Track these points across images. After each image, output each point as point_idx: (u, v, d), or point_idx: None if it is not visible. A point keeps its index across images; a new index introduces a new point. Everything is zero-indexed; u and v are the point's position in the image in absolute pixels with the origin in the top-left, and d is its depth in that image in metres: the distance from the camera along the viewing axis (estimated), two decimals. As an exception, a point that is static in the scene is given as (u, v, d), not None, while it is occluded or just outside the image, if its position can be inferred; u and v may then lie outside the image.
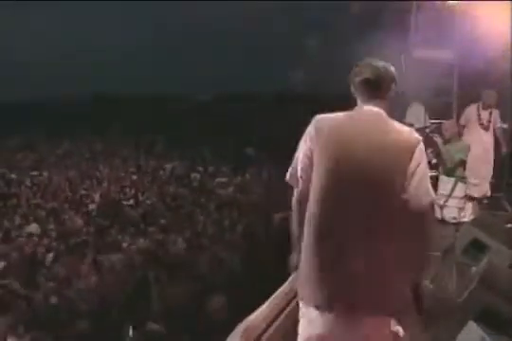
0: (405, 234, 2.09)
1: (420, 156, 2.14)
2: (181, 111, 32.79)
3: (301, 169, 2.24)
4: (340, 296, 2.11)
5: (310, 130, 2.23)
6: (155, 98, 36.05)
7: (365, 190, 2.09)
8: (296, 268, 2.30)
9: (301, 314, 2.28)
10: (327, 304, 2.12)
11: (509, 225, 5.07)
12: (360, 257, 2.08)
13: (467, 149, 6.21)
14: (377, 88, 2.24)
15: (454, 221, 5.88)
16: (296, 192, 2.31)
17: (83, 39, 51.30)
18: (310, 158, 2.20)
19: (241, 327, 3.11)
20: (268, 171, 17.96)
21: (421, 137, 2.21)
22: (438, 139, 6.25)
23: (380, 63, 2.27)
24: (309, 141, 2.21)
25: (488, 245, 4.16)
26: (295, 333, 2.81)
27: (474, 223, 4.73)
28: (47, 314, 6.32)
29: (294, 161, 2.30)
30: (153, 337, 5.76)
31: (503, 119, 7.02)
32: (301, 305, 2.29)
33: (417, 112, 6.78)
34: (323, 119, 2.23)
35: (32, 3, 45.79)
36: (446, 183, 6.12)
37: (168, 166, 20.00)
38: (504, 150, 6.64)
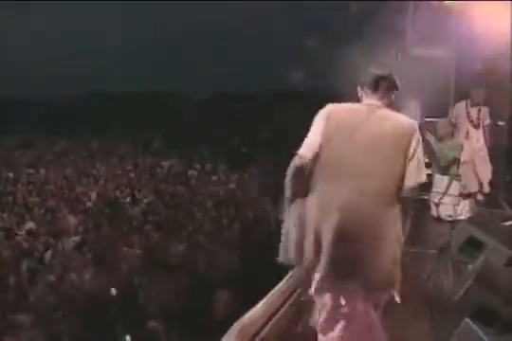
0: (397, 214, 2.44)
1: (417, 143, 2.48)
2: (179, 109, 32.75)
3: (311, 137, 2.57)
4: (339, 265, 2.41)
5: (322, 115, 2.58)
6: (154, 97, 36.02)
7: (368, 168, 2.42)
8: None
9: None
10: (327, 273, 2.43)
11: (506, 223, 5.07)
12: (358, 230, 2.38)
13: (461, 147, 6.25)
14: (381, 87, 2.61)
15: (450, 218, 5.90)
16: (298, 159, 2.55)
17: (83, 39, 51.26)
18: (320, 137, 2.52)
19: (237, 325, 3.11)
20: (266, 169, 17.97)
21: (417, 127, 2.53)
22: (431, 138, 6.26)
23: (386, 69, 2.66)
24: (321, 123, 2.55)
25: (485, 243, 4.16)
26: (290, 332, 2.81)
27: (470, 220, 4.73)
28: (44, 311, 6.31)
29: (306, 140, 2.60)
30: (151, 336, 5.76)
31: (501, 118, 7.04)
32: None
33: (411, 110, 6.79)
34: (334, 107, 2.60)
35: (32, 3, 45.68)
36: (440, 181, 6.15)
37: (165, 163, 19.98)
38: (488, 145, 6.64)
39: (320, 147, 2.52)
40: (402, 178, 2.45)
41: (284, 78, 27.79)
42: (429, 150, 5.89)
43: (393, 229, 2.45)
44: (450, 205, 6.03)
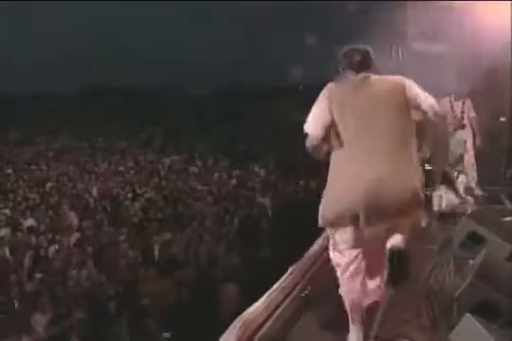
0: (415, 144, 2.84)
1: (412, 85, 2.89)
2: (180, 105, 32.73)
3: (319, 115, 2.86)
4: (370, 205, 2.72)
5: (325, 92, 2.89)
6: (154, 93, 35.99)
7: (379, 122, 2.78)
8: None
9: (331, 241, 3.05)
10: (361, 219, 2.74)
11: (507, 219, 5.06)
12: (385, 169, 2.73)
13: (464, 143, 6.23)
14: (367, 62, 2.97)
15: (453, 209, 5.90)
16: (312, 139, 2.86)
17: (81, 32, 51.17)
18: (328, 111, 2.83)
19: (238, 321, 3.11)
20: (267, 165, 17.99)
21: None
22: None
23: (363, 46, 3.04)
24: (326, 100, 2.86)
25: (486, 238, 4.15)
26: (291, 328, 2.80)
27: (471, 216, 4.72)
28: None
29: (311, 116, 2.89)
30: (151, 333, 5.77)
31: (502, 114, 7.04)
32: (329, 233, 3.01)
33: None
34: (334, 85, 2.93)
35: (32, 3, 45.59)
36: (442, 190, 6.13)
37: (166, 160, 19.97)
38: (478, 142, 6.63)
39: (333, 122, 2.83)
40: (412, 121, 2.87)
41: (284, 72, 27.74)
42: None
43: (413, 165, 2.85)
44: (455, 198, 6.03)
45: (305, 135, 2.89)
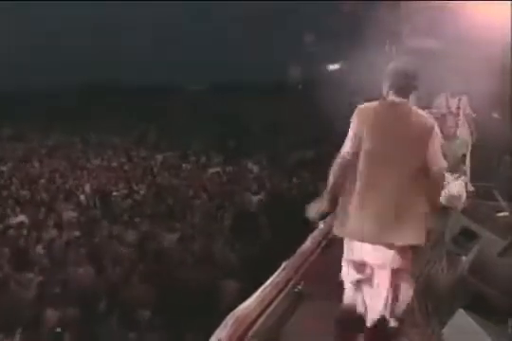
0: (423, 186, 2.96)
1: (436, 134, 2.97)
2: (173, 101, 32.66)
3: (351, 136, 3.00)
4: (378, 230, 2.93)
5: (357, 115, 3.01)
6: (148, 89, 35.91)
7: (399, 156, 2.94)
8: (318, 213, 3.15)
9: (345, 242, 3.14)
10: (367, 238, 2.96)
11: (499, 214, 5.08)
12: (394, 201, 2.92)
13: (466, 144, 6.24)
14: (411, 87, 3.02)
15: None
16: (340, 157, 3.04)
17: (80, 28, 50.94)
18: (358, 135, 2.98)
19: (231, 317, 3.11)
20: (260, 162, 17.97)
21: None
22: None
23: (412, 66, 3.06)
24: (358, 123, 2.98)
25: (478, 234, 4.17)
26: (285, 323, 2.79)
27: (464, 212, 4.74)
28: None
29: (346, 140, 3.04)
30: (145, 327, 5.76)
31: (496, 111, 7.06)
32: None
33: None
34: (366, 107, 3.04)
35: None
36: (447, 178, 6.12)
37: (159, 156, 19.91)
38: (474, 139, 6.64)
39: (359, 143, 2.98)
40: (425, 162, 2.96)
41: (283, 69, 27.63)
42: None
43: (420, 197, 2.98)
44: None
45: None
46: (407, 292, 3.11)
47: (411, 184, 2.95)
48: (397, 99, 3.00)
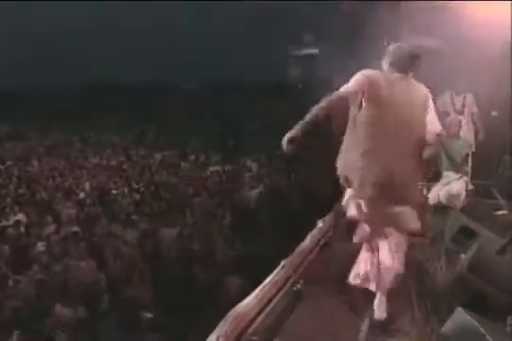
0: (420, 157, 3.24)
1: (431, 100, 3.32)
2: (174, 100, 32.67)
3: (345, 90, 3.16)
4: (383, 192, 3.20)
5: (364, 75, 3.19)
6: (145, 88, 35.90)
7: (402, 122, 3.17)
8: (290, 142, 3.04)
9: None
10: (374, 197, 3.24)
11: (498, 213, 5.08)
12: (397, 166, 3.18)
13: (470, 144, 6.24)
14: (414, 65, 3.31)
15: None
16: (342, 90, 3.17)
17: (80, 28, 50.91)
18: (360, 90, 3.17)
19: (230, 315, 3.10)
20: (259, 160, 17.96)
21: None
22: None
23: (417, 48, 3.39)
24: (363, 81, 3.16)
25: (477, 232, 4.17)
26: (284, 321, 2.79)
27: (463, 210, 4.74)
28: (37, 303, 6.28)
29: (345, 86, 3.18)
30: (145, 326, 5.75)
31: (495, 109, 7.06)
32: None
33: None
34: (375, 75, 3.22)
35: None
36: (450, 177, 6.12)
37: (157, 155, 19.91)
38: (481, 137, 6.64)
39: (361, 103, 3.20)
40: (424, 128, 3.24)
41: (271, 67, 27.67)
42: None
43: (418, 168, 3.31)
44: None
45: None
46: (403, 245, 3.42)
47: (411, 154, 3.22)
48: (398, 75, 3.27)
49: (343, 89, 3.17)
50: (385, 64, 3.36)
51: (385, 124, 3.18)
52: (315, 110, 3.04)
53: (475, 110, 6.62)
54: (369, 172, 3.22)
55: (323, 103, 3.07)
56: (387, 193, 3.22)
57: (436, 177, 6.18)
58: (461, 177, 6.08)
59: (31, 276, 6.82)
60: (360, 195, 3.33)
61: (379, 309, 3.42)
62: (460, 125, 6.33)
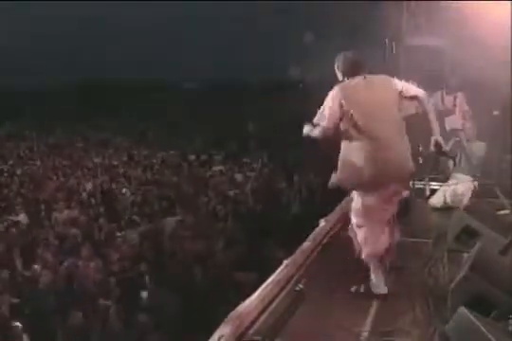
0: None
1: (396, 80, 3.69)
2: (174, 100, 32.70)
3: (332, 112, 3.51)
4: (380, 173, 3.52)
5: (337, 91, 3.55)
6: (146, 87, 35.95)
7: (381, 112, 3.54)
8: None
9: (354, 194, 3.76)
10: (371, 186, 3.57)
11: (501, 212, 5.08)
12: (390, 149, 3.52)
13: (484, 147, 6.25)
14: (362, 67, 3.68)
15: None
16: (322, 127, 3.55)
17: (80, 28, 51.00)
18: (340, 107, 3.49)
19: (233, 314, 3.10)
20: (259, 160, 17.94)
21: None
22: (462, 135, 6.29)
23: (355, 54, 3.74)
24: (339, 97, 3.51)
25: (480, 232, 4.17)
26: (286, 321, 2.77)
27: (466, 210, 4.73)
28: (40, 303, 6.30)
29: (321, 110, 3.60)
30: (142, 329, 5.76)
31: (496, 108, 7.05)
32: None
33: None
34: (345, 84, 3.63)
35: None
36: (460, 179, 6.10)
37: (159, 155, 19.89)
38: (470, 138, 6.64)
39: (345, 114, 3.48)
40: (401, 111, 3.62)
41: (270, 66, 27.70)
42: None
43: (406, 141, 3.66)
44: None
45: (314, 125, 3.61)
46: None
47: (398, 134, 3.59)
48: (359, 77, 3.61)
49: (327, 111, 3.53)
50: (339, 74, 3.72)
51: (370, 122, 3.50)
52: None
53: (466, 108, 6.63)
54: (368, 168, 3.50)
55: (321, 134, 3.56)
56: (386, 177, 3.54)
57: (445, 178, 6.19)
58: (474, 180, 6.08)
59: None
60: (362, 189, 3.64)
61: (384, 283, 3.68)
62: (463, 128, 6.36)
